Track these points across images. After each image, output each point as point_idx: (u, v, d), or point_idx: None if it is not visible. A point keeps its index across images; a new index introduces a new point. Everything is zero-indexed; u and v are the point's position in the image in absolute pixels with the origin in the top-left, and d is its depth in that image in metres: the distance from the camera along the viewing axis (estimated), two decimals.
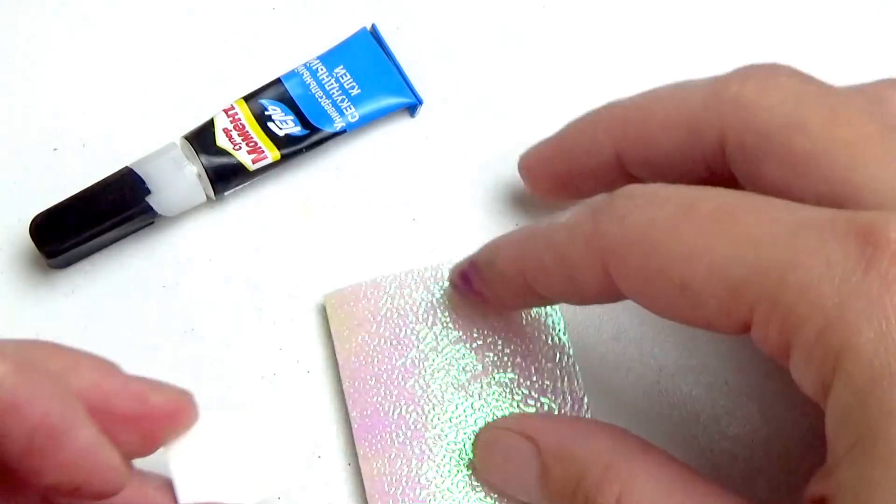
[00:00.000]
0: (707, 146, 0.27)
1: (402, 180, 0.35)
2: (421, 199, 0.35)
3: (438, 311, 0.32)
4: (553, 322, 0.32)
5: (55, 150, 0.35)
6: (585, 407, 0.31)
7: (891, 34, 0.39)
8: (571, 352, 0.32)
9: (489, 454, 0.30)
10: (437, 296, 0.32)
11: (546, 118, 0.36)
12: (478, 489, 0.30)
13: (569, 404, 0.31)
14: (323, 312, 0.32)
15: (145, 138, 0.34)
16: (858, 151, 0.24)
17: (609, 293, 0.26)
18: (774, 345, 0.22)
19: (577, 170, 0.31)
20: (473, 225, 0.34)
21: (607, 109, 0.30)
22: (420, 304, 0.32)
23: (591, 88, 0.37)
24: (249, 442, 0.26)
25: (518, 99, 0.37)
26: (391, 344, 0.32)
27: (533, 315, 0.32)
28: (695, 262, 0.23)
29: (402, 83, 0.36)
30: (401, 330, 0.32)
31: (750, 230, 0.23)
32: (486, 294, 0.30)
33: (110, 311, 0.33)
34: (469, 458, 0.30)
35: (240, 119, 0.34)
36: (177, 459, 0.25)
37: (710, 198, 0.24)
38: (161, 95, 0.36)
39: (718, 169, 0.28)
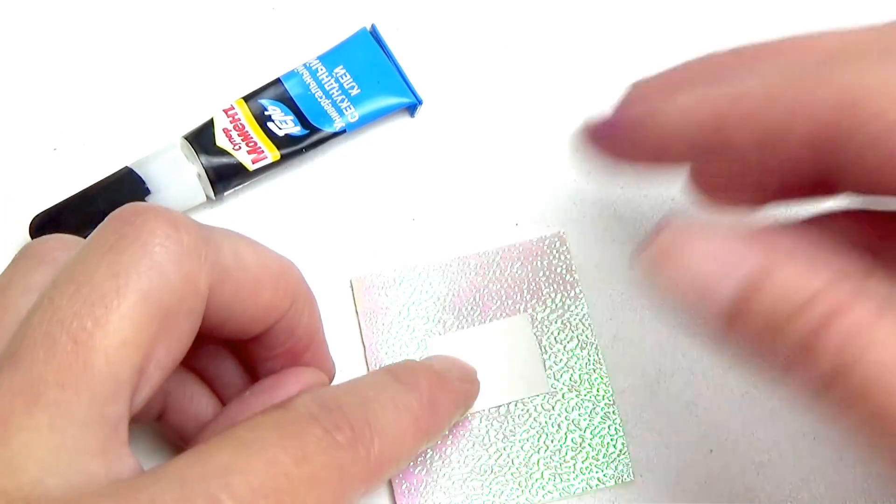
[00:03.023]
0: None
1: (401, 180, 0.35)
2: (421, 198, 0.35)
3: (464, 301, 0.33)
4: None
5: (55, 150, 0.35)
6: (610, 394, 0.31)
7: None
8: (596, 343, 0.32)
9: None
10: (463, 286, 0.33)
11: (546, 118, 0.36)
12: (495, 481, 0.30)
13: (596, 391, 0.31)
14: (348, 292, 0.33)
15: (145, 138, 0.34)
16: None
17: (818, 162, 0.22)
18: None
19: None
20: (473, 225, 0.34)
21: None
22: (445, 294, 0.33)
23: (591, 88, 0.37)
24: None
25: (518, 99, 0.37)
26: (417, 331, 0.32)
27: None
28: None
29: (401, 83, 0.36)
30: (428, 319, 0.32)
31: None
32: (637, 141, 0.25)
33: None
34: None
35: (239, 119, 0.34)
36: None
37: None
38: (161, 95, 0.36)
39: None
